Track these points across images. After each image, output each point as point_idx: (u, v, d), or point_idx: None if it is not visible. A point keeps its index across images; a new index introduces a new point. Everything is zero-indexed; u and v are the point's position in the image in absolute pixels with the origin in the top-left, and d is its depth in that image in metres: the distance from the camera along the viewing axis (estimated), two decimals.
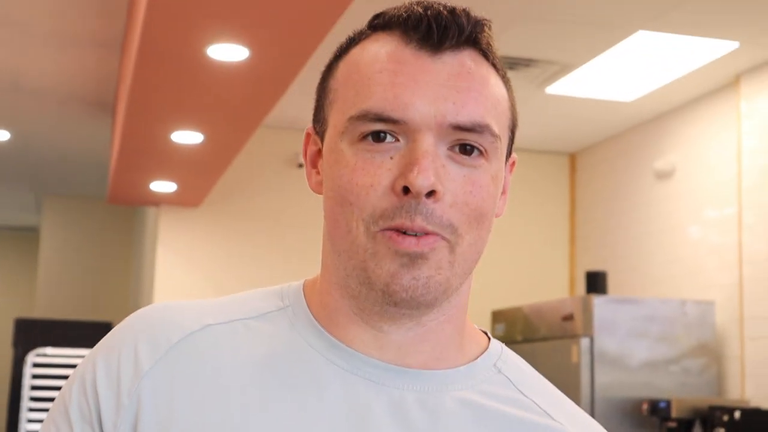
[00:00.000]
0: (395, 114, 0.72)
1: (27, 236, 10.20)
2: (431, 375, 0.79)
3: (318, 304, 0.81)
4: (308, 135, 0.82)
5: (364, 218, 0.73)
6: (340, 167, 0.75)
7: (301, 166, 5.51)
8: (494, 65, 0.77)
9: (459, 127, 0.72)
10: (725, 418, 4.13)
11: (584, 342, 4.59)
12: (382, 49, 0.75)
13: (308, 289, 0.83)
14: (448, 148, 0.73)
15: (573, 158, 6.47)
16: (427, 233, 0.72)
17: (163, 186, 5.46)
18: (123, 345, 0.78)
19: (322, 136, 0.79)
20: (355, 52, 0.77)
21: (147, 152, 4.88)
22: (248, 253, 5.73)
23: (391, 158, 0.72)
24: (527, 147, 6.18)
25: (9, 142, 6.55)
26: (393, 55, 0.74)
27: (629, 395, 4.61)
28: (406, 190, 0.70)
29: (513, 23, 4.15)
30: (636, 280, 5.60)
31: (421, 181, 0.69)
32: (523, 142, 6.05)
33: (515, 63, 4.67)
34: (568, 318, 4.79)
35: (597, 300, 4.59)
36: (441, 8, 0.74)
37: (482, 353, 0.83)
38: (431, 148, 0.71)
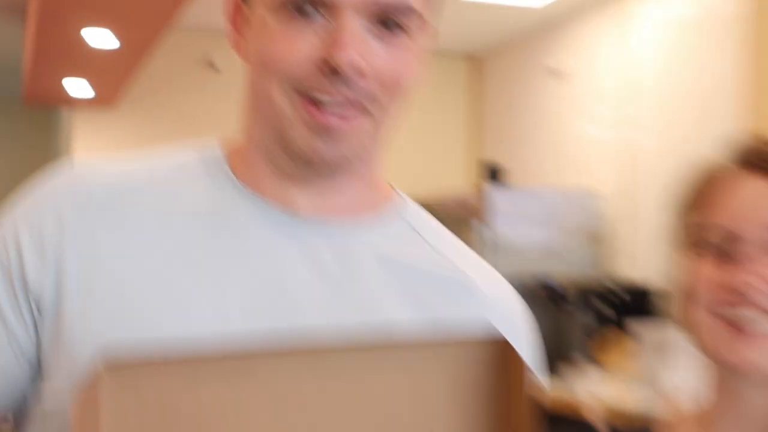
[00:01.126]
0: None
1: None
2: (343, 227, 0.82)
3: (239, 164, 0.82)
4: (230, 2, 0.81)
5: (284, 86, 0.74)
6: (263, 36, 0.74)
7: (212, 66, 5.46)
8: None
9: (383, 4, 0.72)
10: (613, 296, 4.45)
11: (482, 227, 4.81)
12: None
13: (228, 149, 0.84)
14: (372, 25, 0.73)
15: (476, 60, 6.51)
16: (351, 104, 0.73)
17: (77, 86, 5.38)
18: (45, 202, 0.78)
19: (248, 4, 0.79)
20: None
21: (59, 51, 4.80)
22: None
23: (315, 32, 0.71)
24: (444, 49, 6.24)
25: None
26: None
27: (525, 279, 4.81)
28: (331, 68, 0.70)
29: None
30: (532, 173, 5.76)
31: (346, 58, 0.69)
32: (441, 44, 6.65)
33: None
34: (469, 205, 5.01)
35: (495, 189, 4.83)
36: None
37: (389, 205, 0.86)
38: (356, 24, 0.71)
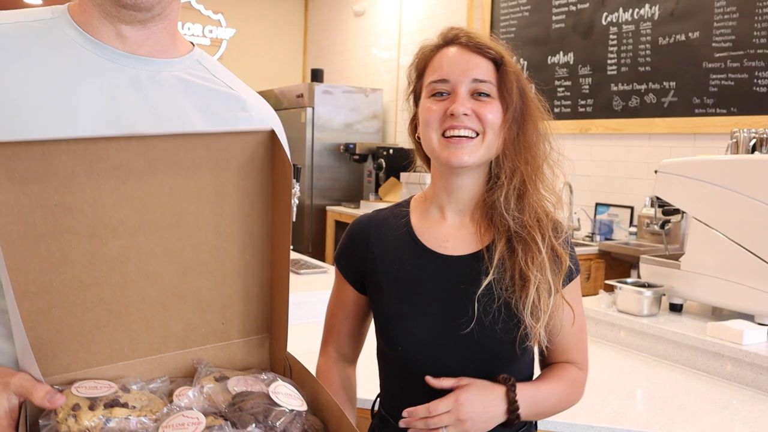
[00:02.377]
0: None
1: None
2: (156, 61, 0.94)
3: (79, 14, 0.93)
4: None
5: None
6: None
7: None
8: None
9: None
10: (384, 153, 5.46)
11: (309, 111, 5.64)
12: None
13: (72, 5, 0.94)
14: None
15: (306, 1, 7.47)
16: None
17: None
18: None
19: None
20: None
21: None
22: None
23: None
24: None
25: None
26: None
27: (334, 142, 5.75)
28: None
29: None
30: (341, 77, 6.77)
31: None
32: None
33: None
34: (300, 96, 5.75)
35: (317, 86, 5.67)
36: None
37: (189, 52, 1.01)
38: None
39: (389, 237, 1.15)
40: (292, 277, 2.58)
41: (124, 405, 0.77)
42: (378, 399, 1.25)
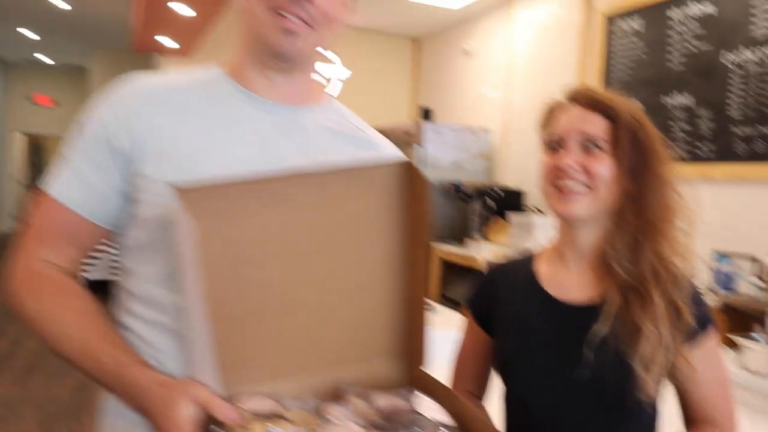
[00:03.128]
0: None
1: (78, 72, 12.03)
2: (301, 108, 1.04)
3: (232, 69, 1.04)
4: None
5: (263, 6, 0.96)
6: None
7: None
8: None
9: None
10: (492, 192, 5.30)
11: (417, 149, 5.60)
12: None
13: (227, 64, 1.06)
14: None
15: (417, 40, 7.50)
16: (302, 20, 0.96)
17: (167, 42, 6.32)
18: (124, 95, 1.00)
19: None
20: None
21: (155, 17, 5.48)
22: None
23: None
24: (395, 33, 7.26)
25: (70, 11, 7.73)
26: None
27: (442, 179, 5.62)
28: None
29: None
30: (450, 115, 6.68)
31: None
32: (393, 29, 7.03)
33: None
34: (409, 134, 5.74)
35: (427, 125, 5.61)
36: None
37: (326, 99, 1.12)
38: None
39: (516, 283, 1.21)
40: None
41: (285, 419, 0.83)
42: None
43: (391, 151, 1.14)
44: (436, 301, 3.89)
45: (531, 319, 1.15)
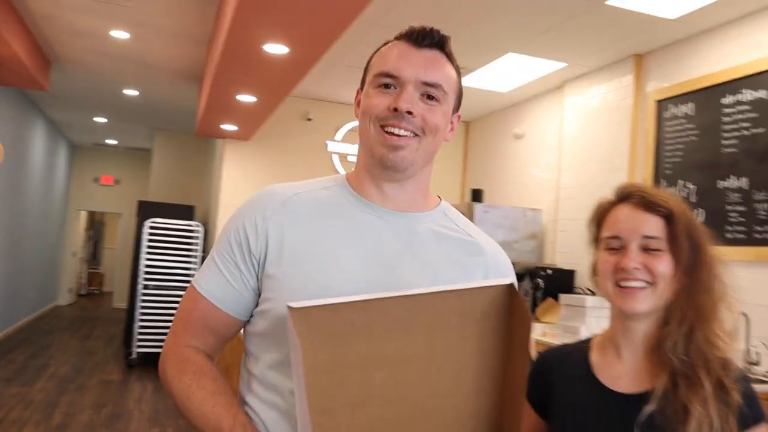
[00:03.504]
0: (395, 72, 1.08)
1: (144, 154, 12.59)
2: (411, 215, 1.16)
3: (354, 180, 1.19)
4: (357, 92, 1.18)
5: (373, 121, 1.09)
6: (366, 100, 1.13)
7: (309, 119, 6.76)
8: (450, 59, 1.14)
9: (426, 83, 1.08)
10: (542, 273, 5.38)
11: None
12: (397, 45, 1.13)
13: (349, 175, 1.20)
14: (420, 94, 1.10)
15: (468, 124, 7.70)
16: (407, 131, 1.07)
17: (228, 127, 6.67)
18: (257, 204, 1.15)
19: (362, 90, 1.16)
20: (384, 48, 1.16)
21: (219, 107, 5.89)
22: (275, 170, 7.07)
23: (390, 95, 1.09)
24: None
25: (138, 96, 8.12)
26: (399, 49, 1.12)
27: None
28: (396, 110, 1.06)
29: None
30: (500, 196, 6.78)
31: (403, 105, 1.05)
32: None
33: None
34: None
35: (477, 206, 5.74)
36: (426, 27, 1.11)
37: (437, 206, 1.23)
38: (410, 91, 1.09)
39: (570, 371, 1.26)
40: None
41: None
42: None
43: (497, 255, 1.22)
44: None
45: (585, 408, 1.20)
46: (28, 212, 9.54)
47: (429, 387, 0.96)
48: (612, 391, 1.19)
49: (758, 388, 3.28)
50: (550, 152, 6.17)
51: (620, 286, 1.17)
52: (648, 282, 1.15)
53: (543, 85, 6.06)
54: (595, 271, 1.24)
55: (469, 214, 5.75)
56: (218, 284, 1.14)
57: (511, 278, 1.09)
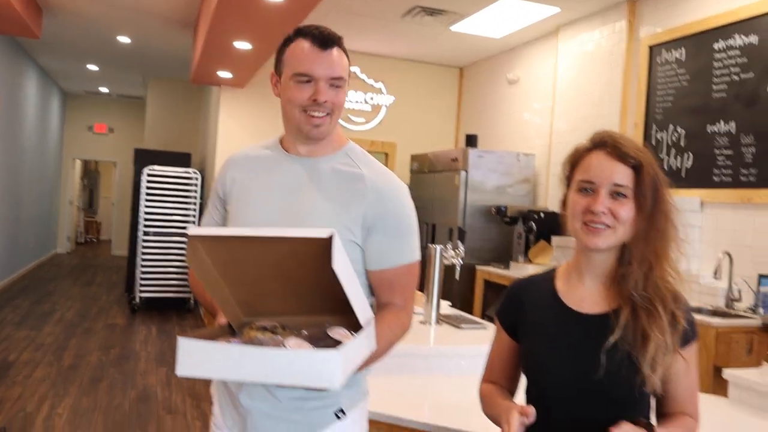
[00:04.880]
0: (311, 73, 1.43)
1: (138, 102, 12.64)
2: (320, 159, 1.52)
3: (284, 141, 1.56)
4: (273, 75, 1.53)
5: (297, 107, 1.46)
6: (288, 91, 1.47)
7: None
8: (344, 51, 1.47)
9: (333, 78, 1.45)
10: (535, 216, 5.52)
11: (462, 174, 5.79)
12: (304, 46, 1.44)
13: (281, 137, 1.58)
14: (329, 85, 1.45)
15: (462, 70, 7.79)
16: (323, 113, 1.45)
17: (224, 74, 6.68)
18: (222, 169, 1.63)
19: (279, 75, 1.50)
20: (292, 45, 1.47)
21: (215, 54, 5.87)
22: (269, 117, 7.08)
23: (310, 89, 1.44)
24: (441, 63, 7.54)
25: (130, 44, 8.12)
26: (309, 51, 1.43)
27: (486, 203, 5.86)
28: (315, 101, 1.43)
29: None
30: (493, 141, 6.91)
31: (321, 97, 1.44)
32: (439, 59, 7.43)
33: (433, 11, 5.64)
34: (454, 160, 5.94)
35: (471, 151, 5.84)
36: (325, 30, 1.45)
37: (342, 147, 1.54)
38: (324, 85, 1.44)
39: (538, 297, 1.40)
40: (453, 331, 2.83)
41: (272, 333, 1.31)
42: None
43: (376, 182, 1.49)
44: (478, 317, 3.45)
45: (552, 328, 1.35)
46: (24, 161, 9.58)
47: (292, 276, 1.32)
48: (576, 312, 1.33)
49: (738, 322, 3.51)
50: (544, 97, 6.22)
51: (587, 225, 1.29)
52: (611, 224, 1.28)
53: (537, 30, 6.10)
54: (564, 207, 1.36)
55: (464, 159, 5.88)
56: (207, 219, 1.64)
57: (389, 201, 1.46)
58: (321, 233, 1.19)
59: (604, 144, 1.31)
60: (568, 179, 1.36)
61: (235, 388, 1.48)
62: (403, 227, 1.47)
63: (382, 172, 1.50)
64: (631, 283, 1.29)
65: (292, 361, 1.17)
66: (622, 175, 1.28)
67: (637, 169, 1.28)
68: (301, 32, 1.47)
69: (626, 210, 1.28)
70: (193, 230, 1.25)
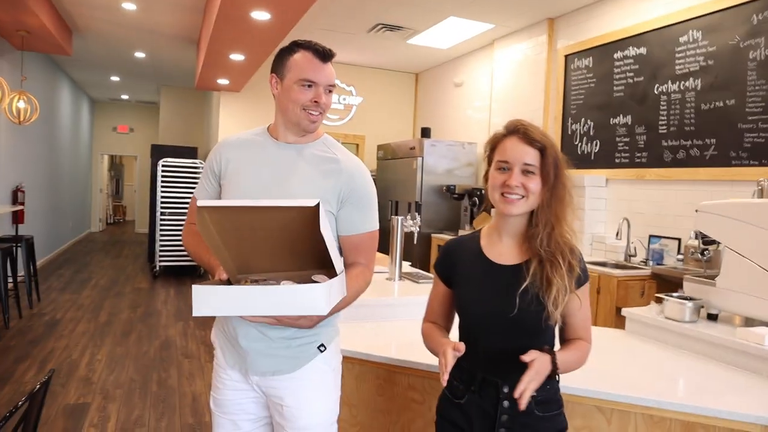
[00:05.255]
0: (314, 80, 1.41)
1: (152, 106, 12.21)
2: (303, 145, 1.49)
3: (272, 129, 1.51)
4: (273, 76, 1.47)
5: (299, 106, 1.43)
6: (292, 92, 1.43)
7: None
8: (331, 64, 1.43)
9: (329, 85, 1.45)
10: (477, 193, 5.49)
11: (419, 160, 5.76)
12: (309, 57, 1.42)
13: (270, 126, 1.53)
14: (326, 91, 1.44)
15: (417, 75, 7.65)
16: (319, 112, 1.44)
17: (222, 81, 6.63)
18: (218, 146, 1.54)
19: (280, 78, 1.45)
20: (296, 55, 1.43)
21: (215, 65, 5.82)
22: (260, 116, 6.96)
23: (311, 91, 1.43)
24: (400, 69, 7.39)
25: (145, 58, 7.86)
26: (312, 61, 1.42)
27: (438, 183, 5.80)
28: (316, 102, 1.43)
29: (396, 6, 5.02)
30: (444, 133, 6.79)
31: (321, 100, 1.43)
32: (398, 66, 7.34)
33: (393, 27, 5.54)
34: (412, 148, 5.90)
35: (426, 140, 5.79)
36: (324, 46, 1.43)
37: (318, 138, 1.52)
38: (322, 90, 1.44)
39: (467, 252, 1.42)
40: (413, 285, 2.83)
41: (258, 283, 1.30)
42: None
43: (348, 164, 1.48)
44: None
45: (478, 276, 1.37)
46: (61, 158, 9.36)
47: (282, 242, 1.31)
48: (497, 263, 1.36)
49: (634, 272, 3.60)
50: (483, 97, 6.15)
51: (504, 196, 1.32)
52: (523, 195, 1.31)
53: (476, 42, 6.03)
54: (486, 181, 1.40)
55: (420, 148, 5.81)
56: (202, 191, 1.55)
57: (357, 179, 1.45)
58: (309, 203, 1.18)
59: (517, 131, 1.32)
60: (489, 159, 1.39)
61: (234, 332, 1.46)
62: (369, 201, 1.46)
63: (351, 157, 1.50)
64: (538, 240, 1.31)
65: (289, 294, 1.15)
66: (531, 156, 1.29)
67: (543, 151, 1.30)
68: (303, 45, 1.44)
69: (534, 183, 1.30)
70: (201, 202, 1.21)
